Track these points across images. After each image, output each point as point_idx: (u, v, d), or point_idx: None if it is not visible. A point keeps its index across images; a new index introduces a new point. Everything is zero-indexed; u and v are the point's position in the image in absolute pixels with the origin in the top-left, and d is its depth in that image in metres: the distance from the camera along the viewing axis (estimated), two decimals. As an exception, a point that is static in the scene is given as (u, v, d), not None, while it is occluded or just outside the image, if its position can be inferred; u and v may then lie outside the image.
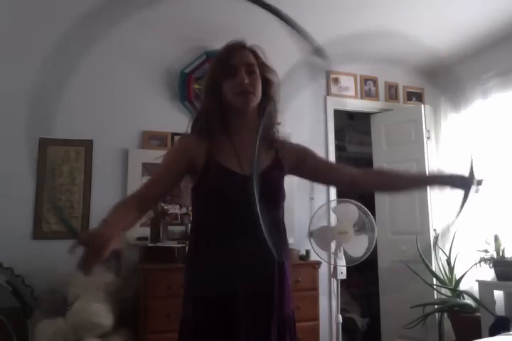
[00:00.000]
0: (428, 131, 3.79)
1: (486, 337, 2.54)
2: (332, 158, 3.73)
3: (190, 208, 1.40)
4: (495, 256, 3.00)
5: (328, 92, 3.78)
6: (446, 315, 3.38)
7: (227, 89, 1.27)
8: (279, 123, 1.38)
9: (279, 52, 2.15)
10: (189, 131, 1.34)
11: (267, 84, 1.33)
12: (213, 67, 1.32)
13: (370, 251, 2.93)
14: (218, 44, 1.47)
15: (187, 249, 1.30)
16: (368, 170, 1.48)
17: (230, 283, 1.16)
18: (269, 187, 1.23)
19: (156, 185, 1.26)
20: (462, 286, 3.35)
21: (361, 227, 2.97)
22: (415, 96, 4.08)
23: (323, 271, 3.16)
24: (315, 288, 2.98)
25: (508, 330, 2.49)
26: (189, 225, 2.04)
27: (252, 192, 1.09)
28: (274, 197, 1.29)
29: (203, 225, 1.25)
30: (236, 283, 1.16)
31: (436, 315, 3.41)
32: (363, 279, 4.23)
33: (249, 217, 1.09)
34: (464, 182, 1.40)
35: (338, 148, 4.12)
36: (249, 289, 1.18)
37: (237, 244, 1.17)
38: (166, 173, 1.27)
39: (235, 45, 1.32)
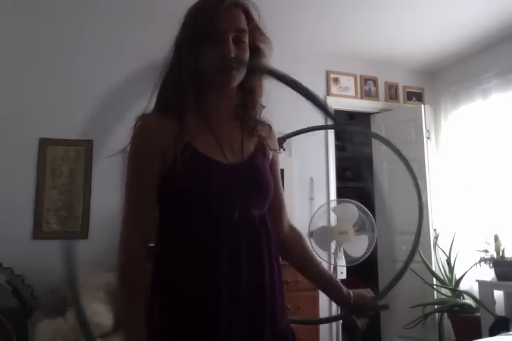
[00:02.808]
0: (428, 131, 3.79)
1: (486, 337, 2.54)
2: (332, 158, 3.73)
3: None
4: (495, 256, 3.00)
5: (328, 92, 3.78)
6: (446, 315, 3.39)
7: (206, 58, 0.98)
8: (262, 105, 1.11)
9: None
10: (150, 107, 1.05)
11: (256, 56, 1.05)
12: (192, 23, 1.00)
13: (370, 251, 2.93)
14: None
15: (154, 266, 0.99)
16: (300, 243, 1.23)
17: (213, 305, 0.94)
18: (256, 178, 1.04)
19: (146, 212, 0.98)
20: (462, 286, 3.35)
21: (361, 227, 2.97)
22: (415, 96, 4.08)
23: (323, 271, 3.16)
24: (315, 288, 2.97)
25: (508, 330, 2.49)
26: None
27: (240, 185, 0.98)
28: (263, 190, 1.05)
29: (176, 233, 0.98)
30: (219, 302, 0.94)
31: (436, 315, 3.41)
32: (363, 279, 4.23)
33: (232, 214, 0.96)
34: (358, 312, 1.22)
35: (338, 148, 4.12)
36: (237, 305, 0.96)
37: (223, 249, 0.95)
38: (147, 190, 0.98)
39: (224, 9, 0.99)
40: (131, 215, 0.98)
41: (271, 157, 1.13)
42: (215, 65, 0.98)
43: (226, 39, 0.97)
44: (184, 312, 0.94)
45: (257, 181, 1.04)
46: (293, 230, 1.23)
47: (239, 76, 1.01)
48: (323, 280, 1.23)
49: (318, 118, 3.74)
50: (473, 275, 3.21)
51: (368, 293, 1.20)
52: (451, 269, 3.42)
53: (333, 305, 3.33)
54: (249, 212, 1.00)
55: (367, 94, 3.92)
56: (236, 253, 0.96)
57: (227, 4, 0.99)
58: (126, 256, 0.96)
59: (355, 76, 3.89)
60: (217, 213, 0.97)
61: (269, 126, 1.14)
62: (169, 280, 0.96)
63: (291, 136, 1.63)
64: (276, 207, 1.15)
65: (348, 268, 2.98)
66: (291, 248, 1.20)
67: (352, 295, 1.17)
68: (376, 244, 3.08)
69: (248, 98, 1.08)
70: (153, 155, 0.97)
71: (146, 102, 1.06)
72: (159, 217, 1.02)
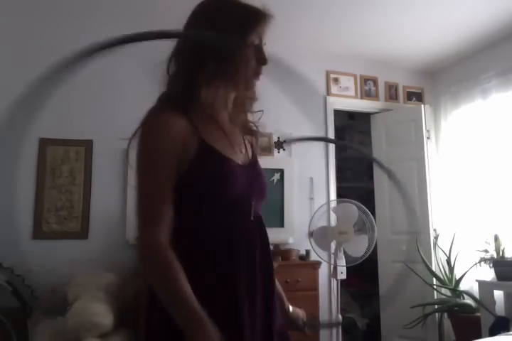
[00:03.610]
0: (428, 131, 3.79)
1: (486, 337, 2.54)
2: (332, 158, 3.74)
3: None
4: (495, 256, 3.00)
5: (328, 92, 3.78)
6: (446, 315, 3.39)
7: (248, 58, 0.99)
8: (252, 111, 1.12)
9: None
10: (162, 99, 1.03)
11: None
12: (243, 21, 0.99)
13: (370, 251, 2.93)
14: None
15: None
16: None
17: (235, 306, 0.94)
18: (261, 179, 1.08)
19: (167, 211, 0.93)
20: (462, 286, 3.35)
21: (361, 227, 2.97)
22: (415, 96, 4.08)
23: (323, 271, 3.16)
24: (315, 288, 2.98)
25: (508, 330, 2.49)
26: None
27: (254, 186, 1.03)
28: (265, 191, 1.10)
29: (195, 234, 0.97)
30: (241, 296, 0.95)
31: (436, 315, 3.41)
32: (363, 279, 4.23)
33: (249, 215, 1.00)
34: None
35: (338, 148, 4.12)
36: (255, 305, 0.97)
37: (241, 248, 0.97)
38: (166, 187, 0.93)
39: (268, 18, 1.01)
40: (151, 214, 0.92)
41: None
42: (254, 69, 1.01)
43: (263, 47, 1.01)
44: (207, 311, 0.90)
45: (262, 182, 1.09)
46: None
47: None
48: None
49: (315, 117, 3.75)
50: (473, 275, 3.21)
51: (301, 314, 1.21)
52: (451, 269, 3.42)
53: (333, 305, 3.33)
54: (257, 212, 1.04)
55: (367, 94, 3.92)
56: (252, 254, 0.99)
57: (270, 19, 1.02)
58: (154, 251, 0.90)
59: (355, 76, 3.89)
60: (238, 213, 0.99)
61: (258, 129, 1.15)
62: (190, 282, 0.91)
63: (294, 141, 1.63)
64: None
65: (348, 268, 2.98)
66: None
67: (291, 311, 1.19)
68: (376, 244, 3.08)
69: (242, 102, 1.09)
70: (173, 152, 0.93)
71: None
72: (176, 216, 0.96)
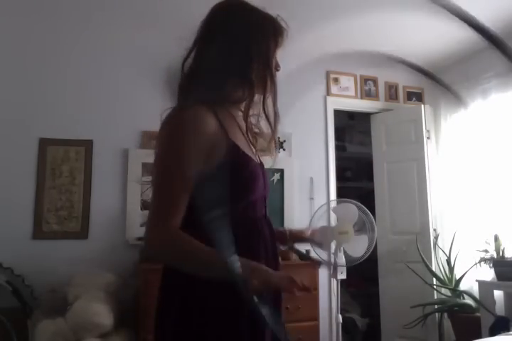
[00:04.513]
0: (428, 131, 3.79)
1: (486, 337, 2.54)
2: (332, 158, 3.74)
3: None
4: (495, 256, 3.00)
5: (328, 92, 3.78)
6: (446, 315, 3.39)
7: (273, 63, 1.11)
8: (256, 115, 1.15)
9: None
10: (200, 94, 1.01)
11: None
12: (274, 33, 1.12)
13: (370, 251, 2.93)
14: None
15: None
16: None
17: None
18: (267, 181, 1.15)
19: (184, 204, 0.95)
20: (462, 286, 3.35)
21: (361, 227, 2.97)
22: (415, 96, 4.08)
23: (323, 270, 3.16)
24: (315, 288, 2.98)
25: (508, 330, 2.48)
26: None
27: (266, 186, 1.09)
28: (269, 190, 1.16)
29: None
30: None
31: (436, 315, 3.41)
32: (363, 279, 4.23)
33: (265, 212, 1.10)
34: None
35: (338, 148, 4.12)
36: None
37: (259, 245, 1.03)
38: (191, 182, 0.94)
39: (286, 33, 1.16)
40: (169, 205, 0.93)
41: None
42: (273, 72, 1.09)
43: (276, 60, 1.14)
44: (220, 305, 0.93)
45: (268, 182, 1.15)
46: None
47: None
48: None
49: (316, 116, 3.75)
50: (473, 275, 3.20)
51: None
52: (451, 269, 3.42)
53: (334, 305, 3.33)
54: (266, 209, 1.12)
55: (367, 94, 3.92)
56: (265, 251, 1.04)
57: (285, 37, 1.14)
58: (165, 234, 0.91)
59: (355, 76, 3.89)
60: (258, 212, 1.07)
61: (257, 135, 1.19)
62: (205, 281, 0.92)
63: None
64: None
65: (348, 268, 2.98)
66: None
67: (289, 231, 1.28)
68: (376, 244, 3.08)
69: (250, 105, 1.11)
70: (204, 149, 0.95)
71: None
72: (193, 215, 0.94)
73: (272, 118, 1.10)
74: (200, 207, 0.92)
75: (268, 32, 1.08)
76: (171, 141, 0.96)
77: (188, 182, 0.93)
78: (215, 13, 1.10)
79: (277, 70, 1.11)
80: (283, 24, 1.13)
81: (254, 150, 1.12)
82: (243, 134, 1.07)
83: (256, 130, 1.15)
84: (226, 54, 1.02)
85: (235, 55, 1.02)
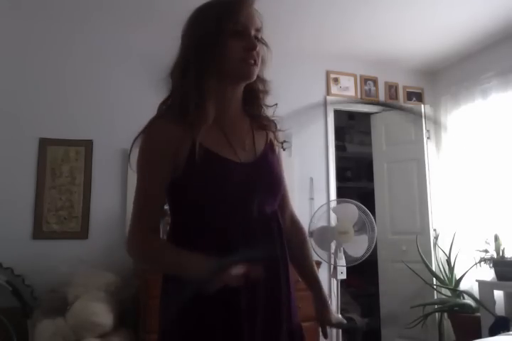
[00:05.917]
0: (428, 131, 3.79)
1: (486, 337, 2.53)
2: (332, 158, 3.74)
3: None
4: (495, 256, 3.00)
5: (328, 92, 3.78)
6: (446, 315, 3.38)
7: (231, 51, 0.99)
8: (266, 104, 1.15)
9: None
10: (161, 109, 1.08)
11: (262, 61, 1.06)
12: (216, 17, 1.00)
13: (370, 251, 2.93)
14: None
15: None
16: (296, 238, 1.21)
17: (233, 307, 0.96)
18: (269, 175, 1.08)
19: (156, 211, 1.02)
20: (462, 286, 3.35)
21: (361, 227, 2.97)
22: (415, 96, 4.08)
23: (323, 271, 3.15)
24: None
25: (508, 330, 2.48)
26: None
27: (255, 183, 1.01)
28: (275, 188, 1.09)
29: (191, 234, 1.00)
30: (239, 293, 0.94)
31: (436, 315, 3.41)
32: (363, 279, 4.23)
33: (250, 212, 1.00)
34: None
35: (338, 148, 4.12)
36: (255, 299, 0.98)
37: (239, 247, 0.96)
38: (158, 192, 1.01)
39: (243, 4, 1.02)
40: (140, 215, 1.02)
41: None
42: (241, 55, 1.00)
43: (250, 33, 1.01)
44: (204, 314, 0.95)
45: (270, 179, 1.07)
46: (294, 224, 1.23)
47: (257, 69, 1.03)
48: (307, 283, 1.24)
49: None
50: (473, 275, 3.20)
51: (334, 319, 1.29)
52: (451, 269, 3.42)
53: (333, 305, 3.33)
54: (263, 209, 1.03)
55: (367, 94, 3.92)
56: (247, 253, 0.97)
57: (250, 3, 1.03)
58: (138, 242, 1.02)
59: (355, 76, 3.89)
60: (233, 213, 0.99)
61: (274, 122, 1.17)
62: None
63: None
64: (280, 199, 1.15)
65: (348, 268, 2.98)
66: (287, 241, 1.13)
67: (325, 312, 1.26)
68: (376, 244, 3.08)
69: (255, 96, 1.10)
70: (165, 157, 0.99)
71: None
72: (172, 219, 1.06)
73: (261, 95, 1.11)
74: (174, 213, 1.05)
75: (211, 19, 1.01)
76: (138, 155, 1.04)
77: (153, 192, 1.01)
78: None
79: (251, 50, 1.00)
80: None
81: (250, 146, 1.07)
82: (225, 135, 1.04)
83: (265, 122, 1.14)
84: (182, 63, 1.08)
85: (190, 59, 1.04)
